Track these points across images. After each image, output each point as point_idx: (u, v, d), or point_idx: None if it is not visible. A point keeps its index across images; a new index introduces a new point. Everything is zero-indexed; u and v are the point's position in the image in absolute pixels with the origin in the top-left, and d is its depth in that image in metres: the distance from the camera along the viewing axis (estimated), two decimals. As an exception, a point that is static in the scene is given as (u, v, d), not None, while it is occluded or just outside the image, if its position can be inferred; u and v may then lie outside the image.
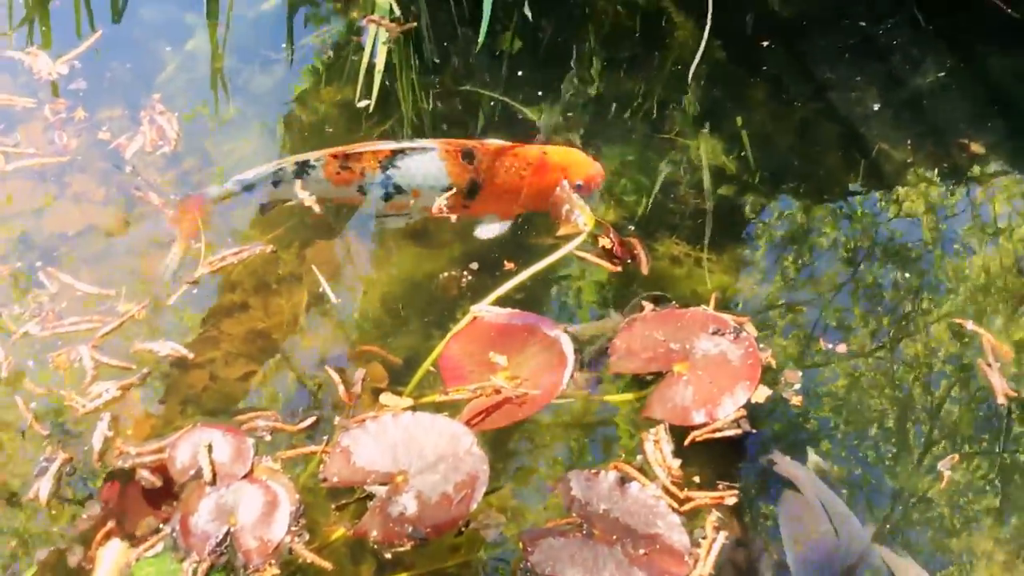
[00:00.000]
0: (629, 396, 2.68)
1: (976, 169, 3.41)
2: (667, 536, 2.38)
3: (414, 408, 2.50)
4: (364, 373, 2.61)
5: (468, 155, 2.89)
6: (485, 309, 2.65)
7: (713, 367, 2.63)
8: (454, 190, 2.89)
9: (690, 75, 3.47)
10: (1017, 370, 2.83)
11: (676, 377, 2.64)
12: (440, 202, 2.89)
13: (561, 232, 2.87)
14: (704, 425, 2.55)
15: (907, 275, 3.08)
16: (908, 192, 3.30)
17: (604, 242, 2.87)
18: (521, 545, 2.37)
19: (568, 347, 2.60)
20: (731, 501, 2.48)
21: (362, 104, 3.25)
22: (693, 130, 3.37)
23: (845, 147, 3.42)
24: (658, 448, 2.55)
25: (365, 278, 2.92)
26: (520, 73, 3.52)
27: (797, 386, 2.71)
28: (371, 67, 3.31)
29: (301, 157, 2.87)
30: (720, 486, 2.52)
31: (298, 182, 2.87)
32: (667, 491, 2.47)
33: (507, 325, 2.65)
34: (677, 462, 2.51)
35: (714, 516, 2.46)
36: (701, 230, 3.10)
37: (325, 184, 2.89)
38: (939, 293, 3.05)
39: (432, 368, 2.61)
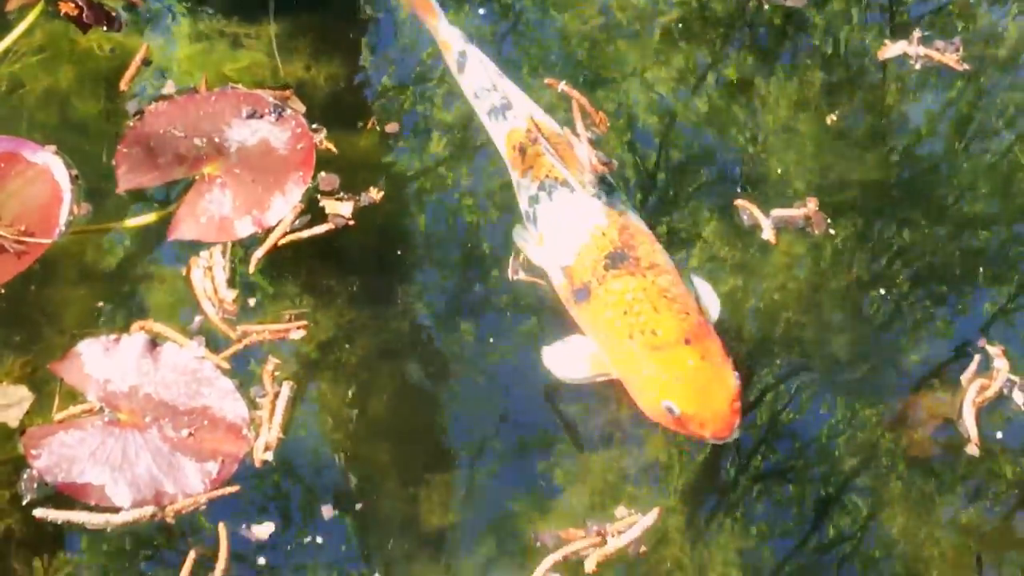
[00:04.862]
0: (151, 217, 2.22)
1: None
2: (218, 407, 1.97)
3: None
4: None
5: (616, 259, 2.01)
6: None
7: (254, 161, 2.23)
8: (566, 280, 2.07)
9: None
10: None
11: (208, 181, 2.22)
12: (558, 277, 2.08)
13: (11, 6, 2.39)
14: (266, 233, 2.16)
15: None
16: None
17: (66, 7, 2.36)
18: (22, 449, 1.92)
19: (62, 173, 2.18)
20: (299, 335, 2.06)
21: None
22: None
23: None
24: (209, 276, 2.12)
25: None
26: None
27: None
28: None
29: (518, 95, 2.28)
30: (287, 316, 2.09)
31: (488, 121, 2.29)
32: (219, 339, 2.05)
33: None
34: (232, 293, 2.09)
35: (271, 364, 2.03)
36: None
37: (497, 144, 2.28)
38: (525, 40, 2.55)
39: None
